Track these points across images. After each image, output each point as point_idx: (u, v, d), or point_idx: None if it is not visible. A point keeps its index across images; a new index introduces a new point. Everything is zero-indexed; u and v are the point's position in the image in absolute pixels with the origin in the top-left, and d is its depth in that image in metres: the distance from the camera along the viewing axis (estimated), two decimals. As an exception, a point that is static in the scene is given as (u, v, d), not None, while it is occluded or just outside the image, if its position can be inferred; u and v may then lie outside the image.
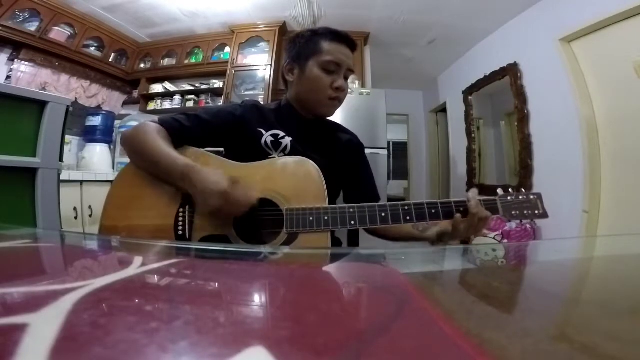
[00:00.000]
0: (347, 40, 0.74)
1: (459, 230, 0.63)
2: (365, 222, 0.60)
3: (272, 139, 0.74)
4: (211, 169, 0.59)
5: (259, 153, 0.72)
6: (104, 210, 0.65)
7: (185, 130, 0.69)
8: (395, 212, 0.61)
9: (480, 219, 0.62)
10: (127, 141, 0.67)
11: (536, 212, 0.65)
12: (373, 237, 0.80)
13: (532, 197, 0.67)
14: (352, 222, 0.60)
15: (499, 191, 0.67)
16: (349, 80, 0.78)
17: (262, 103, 0.83)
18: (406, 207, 0.61)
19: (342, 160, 0.81)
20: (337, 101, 0.76)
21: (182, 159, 0.61)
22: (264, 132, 0.74)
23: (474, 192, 0.64)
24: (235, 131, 0.74)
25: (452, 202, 0.63)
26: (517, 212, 0.65)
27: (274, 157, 0.73)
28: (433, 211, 0.62)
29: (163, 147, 0.63)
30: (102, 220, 0.64)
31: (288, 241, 0.59)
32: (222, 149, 0.77)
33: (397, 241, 0.80)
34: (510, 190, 0.68)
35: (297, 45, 0.76)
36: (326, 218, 0.59)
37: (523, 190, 0.68)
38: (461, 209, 0.63)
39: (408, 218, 0.61)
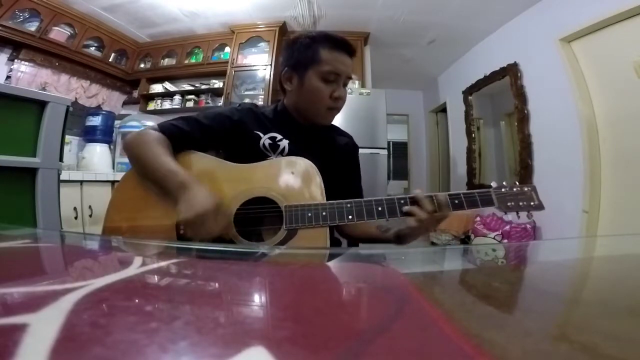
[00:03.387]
0: (346, 47, 0.73)
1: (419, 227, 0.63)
2: (363, 216, 0.61)
3: (270, 142, 0.75)
4: (199, 189, 0.58)
5: (257, 155, 0.73)
6: (107, 212, 0.66)
7: (184, 135, 0.70)
8: (391, 206, 0.62)
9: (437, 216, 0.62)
10: (128, 149, 0.68)
11: (532, 203, 0.66)
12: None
13: (526, 189, 0.67)
14: (350, 217, 0.61)
15: (493, 183, 0.68)
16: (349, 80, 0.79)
17: (258, 106, 0.83)
18: (402, 201, 0.62)
19: (339, 162, 0.82)
20: (335, 110, 0.76)
21: (175, 173, 0.61)
22: (261, 134, 0.75)
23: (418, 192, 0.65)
24: (233, 134, 0.75)
25: (446, 195, 0.64)
26: (512, 204, 0.66)
27: (273, 159, 0.73)
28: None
29: (159, 158, 0.63)
30: (105, 222, 0.65)
31: (287, 237, 0.60)
32: (220, 152, 0.77)
33: (362, 242, 0.81)
34: (504, 183, 0.68)
35: (294, 53, 0.75)
36: (324, 213, 0.60)
37: (517, 183, 0.69)
38: (456, 201, 0.63)
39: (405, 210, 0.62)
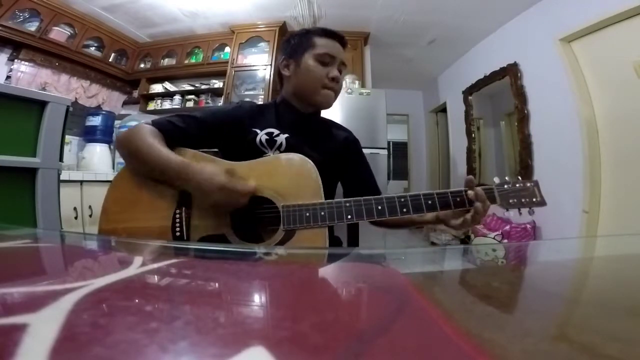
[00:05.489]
0: (338, 36, 0.78)
1: (457, 222, 0.64)
2: (362, 216, 0.60)
3: (267, 137, 0.74)
4: (205, 163, 0.61)
5: (254, 152, 0.72)
6: (101, 214, 0.65)
7: (179, 131, 0.70)
8: (391, 204, 0.61)
9: (477, 212, 0.61)
10: (121, 144, 0.66)
11: (534, 199, 0.64)
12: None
13: (529, 184, 0.65)
14: (349, 217, 0.60)
15: (496, 179, 0.66)
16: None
17: (257, 104, 0.84)
18: (402, 199, 0.61)
19: (339, 157, 0.82)
20: (332, 91, 0.77)
21: (176, 157, 0.62)
22: (258, 131, 0.75)
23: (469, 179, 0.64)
24: (230, 131, 0.75)
25: (448, 192, 0.62)
26: (515, 200, 0.64)
27: (269, 155, 0.73)
28: (429, 202, 0.61)
29: (157, 147, 0.63)
30: (100, 224, 0.64)
31: (285, 238, 0.59)
32: (216, 150, 0.77)
33: (398, 228, 0.82)
34: (507, 178, 0.66)
35: (291, 43, 0.79)
36: (322, 213, 0.59)
37: (519, 178, 0.67)
38: (457, 198, 0.62)
39: (404, 210, 0.61)
